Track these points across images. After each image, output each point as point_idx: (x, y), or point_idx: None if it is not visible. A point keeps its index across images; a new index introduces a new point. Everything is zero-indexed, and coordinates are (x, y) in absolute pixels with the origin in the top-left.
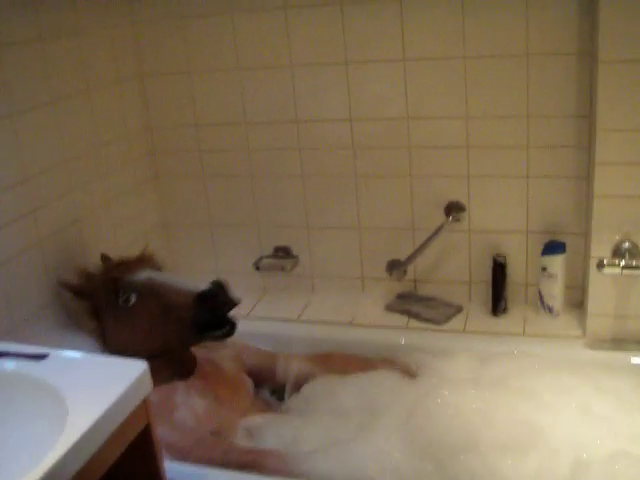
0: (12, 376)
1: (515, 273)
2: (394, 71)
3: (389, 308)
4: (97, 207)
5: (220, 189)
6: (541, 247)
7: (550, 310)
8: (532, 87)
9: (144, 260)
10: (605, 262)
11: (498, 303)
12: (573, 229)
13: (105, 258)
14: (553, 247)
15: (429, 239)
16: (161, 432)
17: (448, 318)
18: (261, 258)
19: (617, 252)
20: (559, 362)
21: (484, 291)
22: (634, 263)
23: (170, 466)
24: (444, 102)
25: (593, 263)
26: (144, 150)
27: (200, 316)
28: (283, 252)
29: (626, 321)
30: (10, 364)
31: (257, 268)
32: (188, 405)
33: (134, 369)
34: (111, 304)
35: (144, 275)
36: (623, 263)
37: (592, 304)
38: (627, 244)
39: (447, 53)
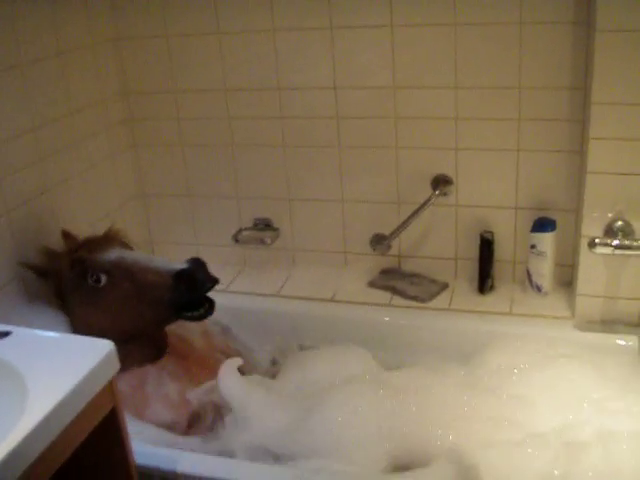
0: None
1: (503, 250)
2: (381, 37)
3: (372, 284)
4: (69, 177)
5: (199, 159)
6: (530, 224)
7: (539, 289)
8: (525, 57)
9: (110, 238)
10: (597, 241)
11: (485, 281)
12: (564, 206)
13: (66, 235)
14: (543, 224)
15: (415, 213)
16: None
17: (433, 295)
18: (240, 230)
19: (609, 231)
20: (546, 343)
21: (471, 268)
22: (627, 243)
23: (137, 449)
24: (433, 71)
25: (584, 242)
26: (120, 117)
27: (179, 296)
28: (263, 224)
29: (616, 302)
30: None
31: (236, 240)
32: (161, 394)
33: (100, 349)
34: (78, 285)
35: (114, 254)
36: (616, 242)
37: (582, 284)
38: (620, 223)
39: (437, 19)
